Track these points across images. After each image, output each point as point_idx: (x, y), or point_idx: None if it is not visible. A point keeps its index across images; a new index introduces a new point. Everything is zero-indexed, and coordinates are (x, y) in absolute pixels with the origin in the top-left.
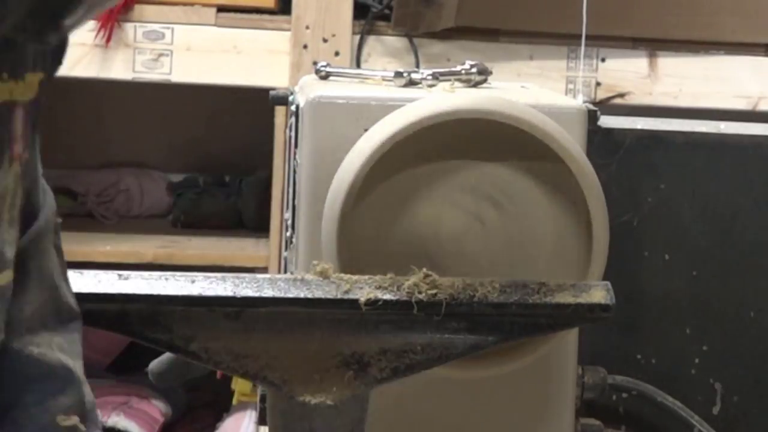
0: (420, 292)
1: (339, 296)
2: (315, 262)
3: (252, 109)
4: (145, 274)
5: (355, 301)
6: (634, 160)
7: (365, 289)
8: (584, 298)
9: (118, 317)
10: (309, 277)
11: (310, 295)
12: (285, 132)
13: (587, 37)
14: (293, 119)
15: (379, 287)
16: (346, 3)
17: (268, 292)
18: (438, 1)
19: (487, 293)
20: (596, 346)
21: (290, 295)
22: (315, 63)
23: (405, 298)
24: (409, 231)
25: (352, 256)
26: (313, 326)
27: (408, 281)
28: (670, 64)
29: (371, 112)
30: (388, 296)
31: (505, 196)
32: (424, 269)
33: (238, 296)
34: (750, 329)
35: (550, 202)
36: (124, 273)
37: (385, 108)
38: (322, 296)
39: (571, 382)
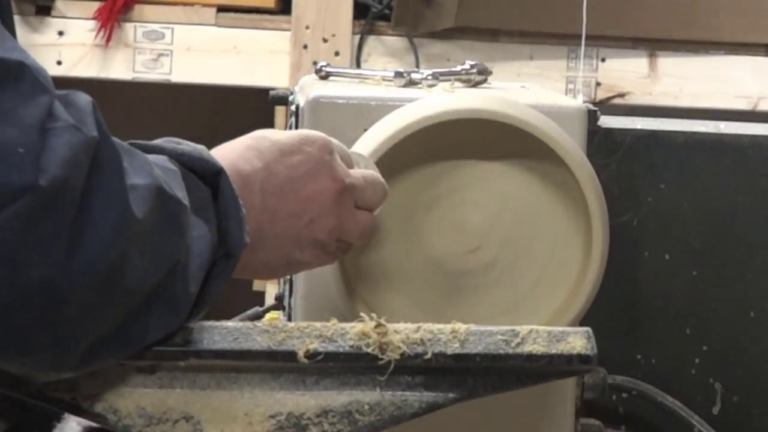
0: (368, 344)
1: (272, 347)
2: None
3: (252, 109)
4: None
5: (292, 354)
6: (634, 160)
7: (304, 339)
8: (561, 348)
9: (15, 374)
10: (242, 324)
11: (237, 347)
12: None
13: (587, 37)
14: (293, 119)
15: (320, 336)
16: (346, 3)
17: (187, 343)
18: (438, 1)
19: (447, 342)
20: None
21: (214, 347)
22: (315, 63)
23: (350, 350)
24: (409, 231)
25: (351, 255)
26: (242, 382)
27: (355, 329)
28: (670, 64)
29: (371, 112)
30: (330, 348)
31: (505, 196)
32: (374, 315)
33: (153, 347)
34: (750, 329)
35: (550, 202)
36: None
37: (385, 108)
38: (252, 347)
39: (571, 382)
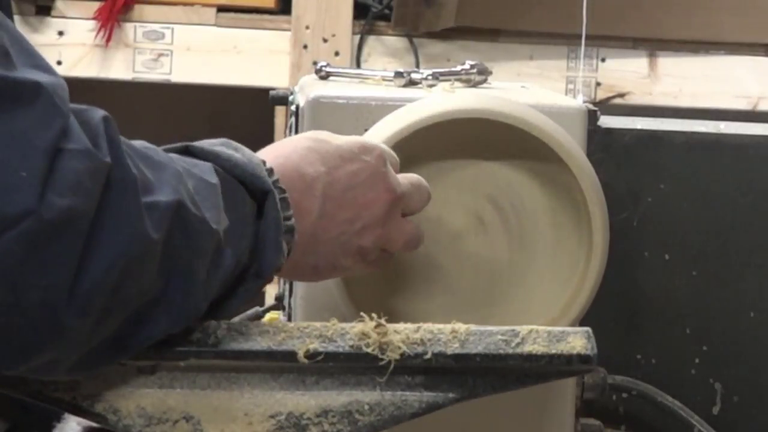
0: (368, 344)
1: (272, 347)
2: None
3: (252, 109)
4: None
5: (292, 354)
6: (634, 160)
7: (304, 339)
8: (561, 348)
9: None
10: (242, 324)
11: (237, 347)
12: (285, 132)
13: (587, 37)
14: (293, 119)
15: (320, 336)
16: (346, 3)
17: (188, 343)
18: (438, 1)
19: (447, 342)
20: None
21: (215, 347)
22: (315, 63)
23: (350, 350)
24: None
25: None
26: (242, 382)
27: (355, 329)
28: (670, 64)
29: (371, 112)
30: (330, 348)
31: (505, 196)
32: (374, 315)
33: (153, 347)
34: (750, 329)
35: (549, 202)
36: None
37: (385, 108)
38: (252, 347)
39: (571, 382)
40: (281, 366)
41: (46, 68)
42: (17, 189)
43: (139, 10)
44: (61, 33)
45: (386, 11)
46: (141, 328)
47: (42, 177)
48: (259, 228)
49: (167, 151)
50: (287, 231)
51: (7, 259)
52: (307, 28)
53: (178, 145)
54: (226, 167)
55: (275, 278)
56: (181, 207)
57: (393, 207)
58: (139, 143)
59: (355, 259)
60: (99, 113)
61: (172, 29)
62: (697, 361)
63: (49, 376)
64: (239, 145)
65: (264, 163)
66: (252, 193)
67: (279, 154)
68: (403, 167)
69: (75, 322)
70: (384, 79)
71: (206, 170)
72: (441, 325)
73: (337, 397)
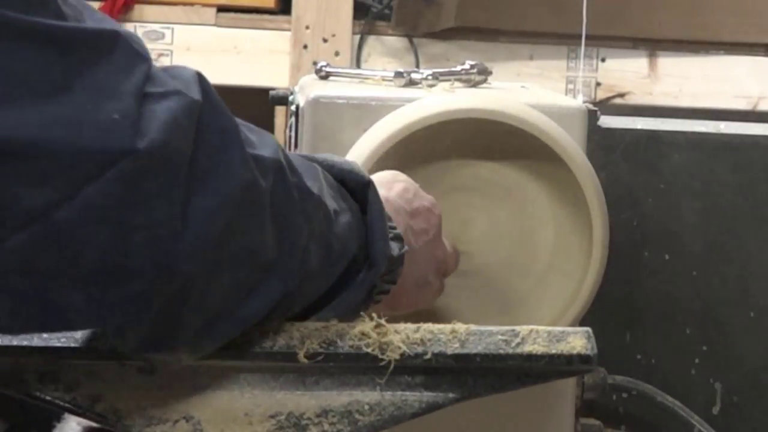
0: (368, 344)
1: (272, 347)
2: None
3: (252, 109)
4: None
5: (292, 354)
6: (634, 160)
7: (304, 339)
8: (561, 348)
9: (12, 374)
10: None
11: (237, 347)
12: (285, 132)
13: (587, 37)
14: (293, 119)
15: (320, 336)
16: (346, 3)
17: None
18: (438, 1)
19: (447, 342)
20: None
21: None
22: (315, 63)
23: (350, 350)
24: None
25: None
26: (242, 382)
27: (355, 329)
28: (670, 64)
29: (371, 112)
30: (330, 348)
31: (505, 196)
32: (374, 315)
33: None
34: (750, 329)
35: (550, 202)
36: None
37: (385, 108)
38: (252, 348)
39: (571, 382)
40: (281, 366)
41: (113, 22)
42: (111, 131)
43: (139, 10)
44: None
45: (386, 11)
46: (254, 296)
47: (134, 118)
48: (366, 221)
49: None
50: (394, 238)
51: (109, 200)
52: (307, 28)
53: None
54: (324, 166)
55: None
56: (282, 168)
57: (440, 229)
58: None
59: (436, 274)
60: (190, 68)
61: (172, 29)
62: (697, 361)
63: (162, 350)
64: (332, 154)
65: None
66: (352, 191)
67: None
68: (404, 167)
69: (185, 265)
70: (384, 79)
71: (302, 158)
72: (441, 325)
73: (337, 397)
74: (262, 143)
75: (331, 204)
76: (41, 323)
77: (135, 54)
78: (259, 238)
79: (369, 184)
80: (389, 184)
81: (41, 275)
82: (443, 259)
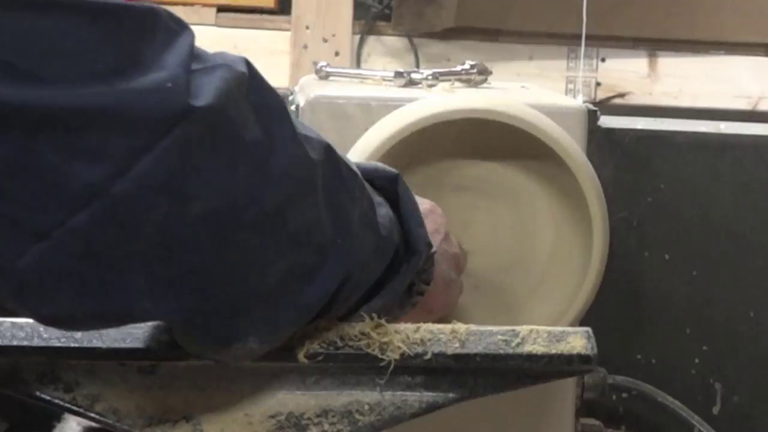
0: (368, 344)
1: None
2: None
3: None
4: None
5: (292, 354)
6: (634, 160)
7: (304, 339)
8: (561, 348)
9: (12, 374)
10: None
11: None
12: None
13: (587, 37)
14: None
15: (320, 336)
16: (346, 3)
17: None
18: (438, 1)
19: (447, 342)
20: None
21: None
22: (315, 63)
23: (350, 350)
24: None
25: None
26: (242, 382)
27: (355, 329)
28: (670, 64)
29: (371, 112)
30: (330, 348)
31: (505, 196)
32: (374, 315)
33: (153, 347)
34: (750, 329)
35: (550, 202)
36: (19, 320)
37: (385, 108)
38: None
39: (571, 382)
40: (281, 366)
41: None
42: (165, 97)
43: None
44: None
45: (386, 11)
46: (314, 280)
47: (186, 85)
48: (400, 212)
49: None
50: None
51: (166, 169)
52: (307, 28)
53: None
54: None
55: None
56: (330, 148)
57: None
58: None
59: (456, 272)
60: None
61: None
62: (697, 361)
63: (232, 342)
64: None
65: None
66: (380, 189)
67: None
68: (404, 167)
69: (244, 239)
70: (384, 79)
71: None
72: (441, 325)
73: (337, 397)
74: (305, 128)
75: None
76: (104, 310)
77: (178, 31)
78: (315, 217)
79: (397, 178)
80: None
81: (101, 256)
82: (458, 257)
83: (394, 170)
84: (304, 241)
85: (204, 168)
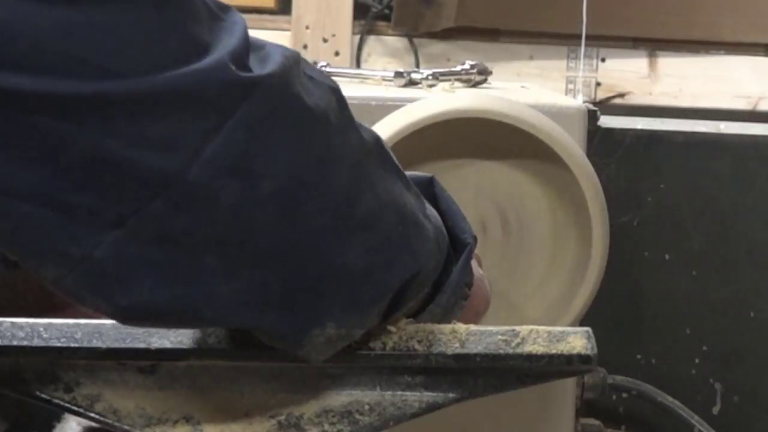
0: (369, 344)
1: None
2: None
3: None
4: (43, 321)
5: (292, 354)
6: (634, 160)
7: None
8: (561, 348)
9: (12, 374)
10: None
11: (237, 347)
12: None
13: (587, 37)
14: None
15: None
16: (346, 3)
17: (188, 342)
18: (438, 1)
19: (447, 342)
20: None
21: (215, 347)
22: (315, 63)
23: (350, 350)
24: None
25: None
26: (242, 382)
27: None
28: (670, 64)
29: (371, 112)
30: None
31: (505, 196)
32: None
33: (153, 347)
34: (750, 329)
35: (549, 202)
36: (18, 320)
37: (385, 108)
38: (252, 347)
39: (571, 382)
40: (281, 366)
41: None
42: (228, 78)
43: None
44: None
45: (386, 11)
46: (388, 267)
47: (245, 64)
48: (440, 210)
49: None
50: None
51: (235, 149)
52: (307, 28)
53: None
54: None
55: None
56: (379, 139)
57: None
58: None
59: (480, 264)
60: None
61: None
62: (697, 361)
63: (313, 327)
64: None
65: None
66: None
67: None
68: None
69: (315, 220)
70: (384, 79)
71: None
72: (441, 325)
73: (337, 397)
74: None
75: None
76: (183, 299)
77: (231, 15)
78: (381, 202)
79: (432, 180)
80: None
81: (178, 242)
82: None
83: (426, 174)
84: (372, 225)
85: (271, 144)
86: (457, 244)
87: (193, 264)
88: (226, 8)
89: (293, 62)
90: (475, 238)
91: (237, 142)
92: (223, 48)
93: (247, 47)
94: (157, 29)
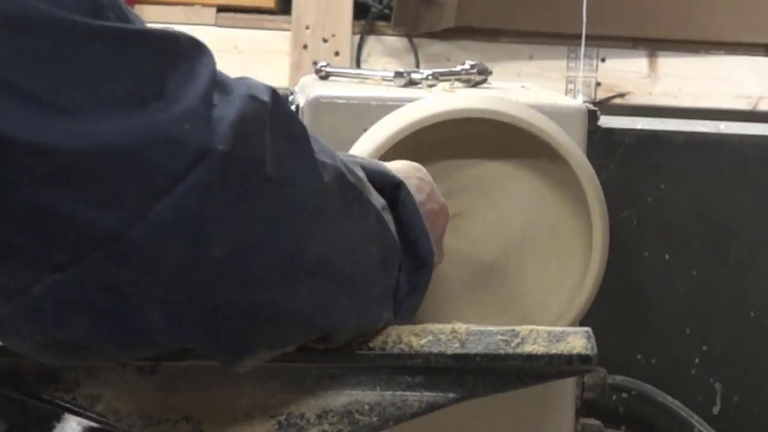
0: (369, 344)
1: None
2: None
3: None
4: None
5: (293, 354)
6: (634, 160)
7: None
8: (561, 348)
9: (12, 374)
10: None
11: None
12: None
13: (587, 37)
14: None
15: (320, 336)
16: (346, 3)
17: None
18: (438, 1)
19: (447, 342)
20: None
21: None
22: (315, 63)
23: (350, 350)
24: None
25: None
26: (242, 382)
27: None
28: (670, 64)
29: (371, 112)
30: (330, 348)
31: (505, 196)
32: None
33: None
34: (750, 329)
35: (550, 202)
36: None
37: (385, 108)
38: None
39: (571, 382)
40: (281, 366)
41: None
42: (181, 144)
43: (139, 10)
44: None
45: (386, 11)
46: (334, 306)
47: (204, 122)
48: (401, 218)
49: None
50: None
51: (183, 214)
52: (307, 28)
53: None
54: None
55: None
56: (342, 176)
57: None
58: None
59: (442, 224)
60: (260, 81)
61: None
62: (697, 361)
63: (235, 358)
64: (355, 155)
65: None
66: (379, 191)
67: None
68: None
69: (264, 277)
70: (384, 79)
71: (351, 162)
72: (441, 325)
73: (337, 397)
74: (321, 150)
75: (377, 200)
76: (120, 339)
77: (200, 58)
78: (330, 242)
79: (400, 185)
80: (405, 174)
81: (118, 292)
82: (442, 210)
83: (396, 178)
84: (319, 270)
85: (221, 211)
86: (417, 259)
87: (134, 313)
88: (197, 47)
89: (256, 116)
90: (432, 254)
91: (187, 207)
92: (184, 100)
93: (209, 100)
94: (113, 67)
